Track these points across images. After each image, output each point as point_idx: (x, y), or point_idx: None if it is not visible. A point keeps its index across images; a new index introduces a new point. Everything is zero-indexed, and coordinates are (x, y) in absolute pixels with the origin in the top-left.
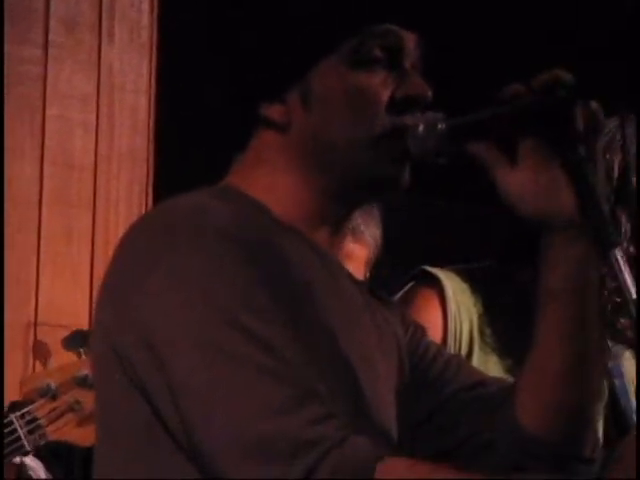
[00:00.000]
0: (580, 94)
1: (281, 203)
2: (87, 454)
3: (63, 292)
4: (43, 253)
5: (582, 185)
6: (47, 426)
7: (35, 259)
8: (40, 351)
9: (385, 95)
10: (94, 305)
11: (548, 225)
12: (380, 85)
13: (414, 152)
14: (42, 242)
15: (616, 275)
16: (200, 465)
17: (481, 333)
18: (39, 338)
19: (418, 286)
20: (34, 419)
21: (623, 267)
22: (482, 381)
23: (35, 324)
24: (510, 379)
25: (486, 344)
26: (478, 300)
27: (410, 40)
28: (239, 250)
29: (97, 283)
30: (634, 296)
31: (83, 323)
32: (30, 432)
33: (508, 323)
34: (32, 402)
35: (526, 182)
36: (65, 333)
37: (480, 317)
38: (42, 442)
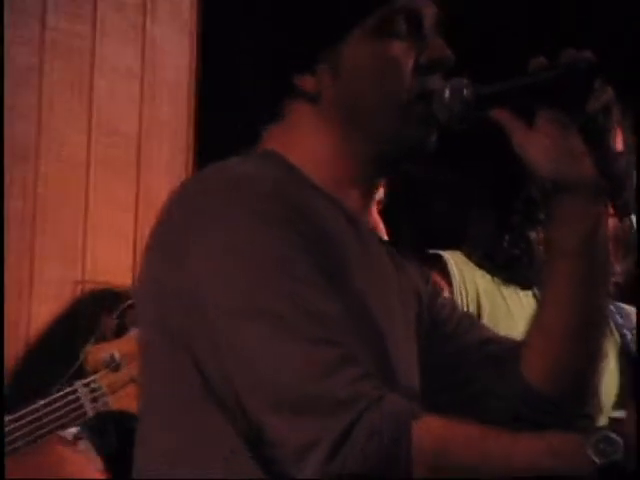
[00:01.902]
0: (599, 71)
1: (316, 168)
2: (125, 427)
3: (108, 252)
4: (90, 215)
5: (605, 154)
6: (109, 395)
7: (83, 220)
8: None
9: (410, 60)
10: (140, 263)
11: (568, 186)
12: (405, 52)
13: (440, 116)
14: (90, 205)
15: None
16: (247, 424)
17: (488, 295)
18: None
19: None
20: (98, 388)
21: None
22: (492, 338)
23: (83, 282)
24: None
25: (495, 304)
26: (480, 270)
27: (431, 10)
28: (284, 221)
29: (140, 243)
30: None
31: (127, 281)
32: (93, 400)
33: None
34: (96, 372)
35: (546, 147)
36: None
37: (486, 283)
38: (104, 410)
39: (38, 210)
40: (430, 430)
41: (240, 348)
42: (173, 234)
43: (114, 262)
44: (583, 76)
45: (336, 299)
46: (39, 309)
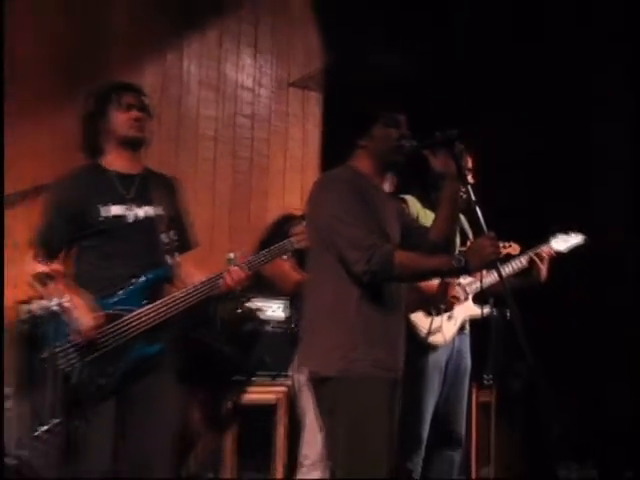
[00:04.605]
0: (459, 138)
1: (364, 170)
2: None
3: (293, 197)
4: (286, 185)
5: (459, 164)
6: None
7: (282, 185)
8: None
9: (395, 135)
10: (305, 206)
11: (447, 176)
12: (392, 132)
13: (406, 152)
14: (286, 181)
15: (470, 197)
16: (342, 258)
17: (423, 212)
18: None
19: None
20: (291, 242)
21: (472, 195)
22: (425, 229)
23: (283, 209)
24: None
25: (425, 216)
26: (420, 204)
27: (403, 117)
28: (351, 190)
29: (303, 199)
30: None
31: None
32: (297, 242)
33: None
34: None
35: (440, 162)
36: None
37: (421, 208)
38: (298, 246)
39: (263, 177)
40: (401, 254)
41: (340, 233)
42: (317, 197)
43: (295, 201)
44: (453, 139)
45: (371, 218)
46: (264, 222)
